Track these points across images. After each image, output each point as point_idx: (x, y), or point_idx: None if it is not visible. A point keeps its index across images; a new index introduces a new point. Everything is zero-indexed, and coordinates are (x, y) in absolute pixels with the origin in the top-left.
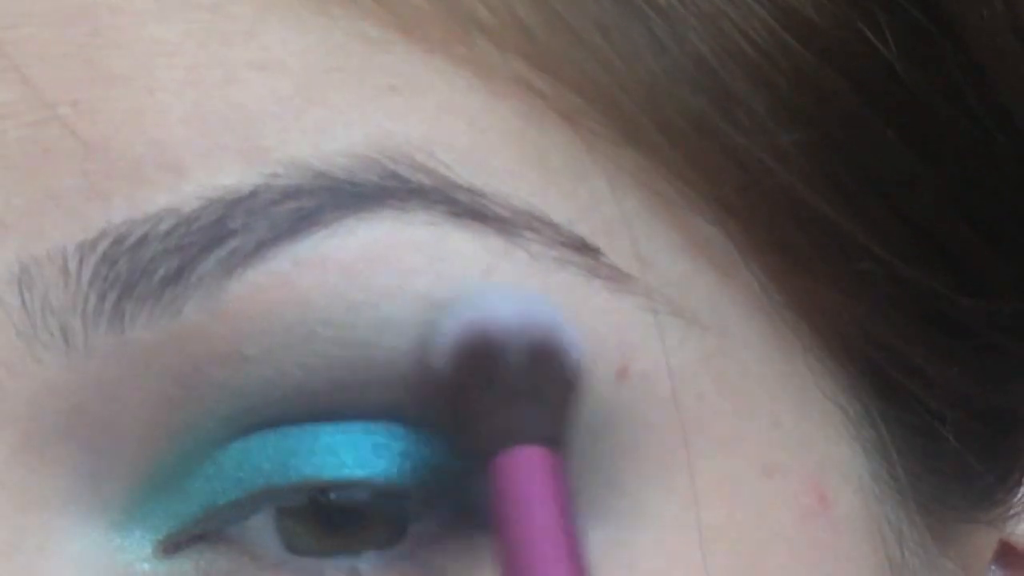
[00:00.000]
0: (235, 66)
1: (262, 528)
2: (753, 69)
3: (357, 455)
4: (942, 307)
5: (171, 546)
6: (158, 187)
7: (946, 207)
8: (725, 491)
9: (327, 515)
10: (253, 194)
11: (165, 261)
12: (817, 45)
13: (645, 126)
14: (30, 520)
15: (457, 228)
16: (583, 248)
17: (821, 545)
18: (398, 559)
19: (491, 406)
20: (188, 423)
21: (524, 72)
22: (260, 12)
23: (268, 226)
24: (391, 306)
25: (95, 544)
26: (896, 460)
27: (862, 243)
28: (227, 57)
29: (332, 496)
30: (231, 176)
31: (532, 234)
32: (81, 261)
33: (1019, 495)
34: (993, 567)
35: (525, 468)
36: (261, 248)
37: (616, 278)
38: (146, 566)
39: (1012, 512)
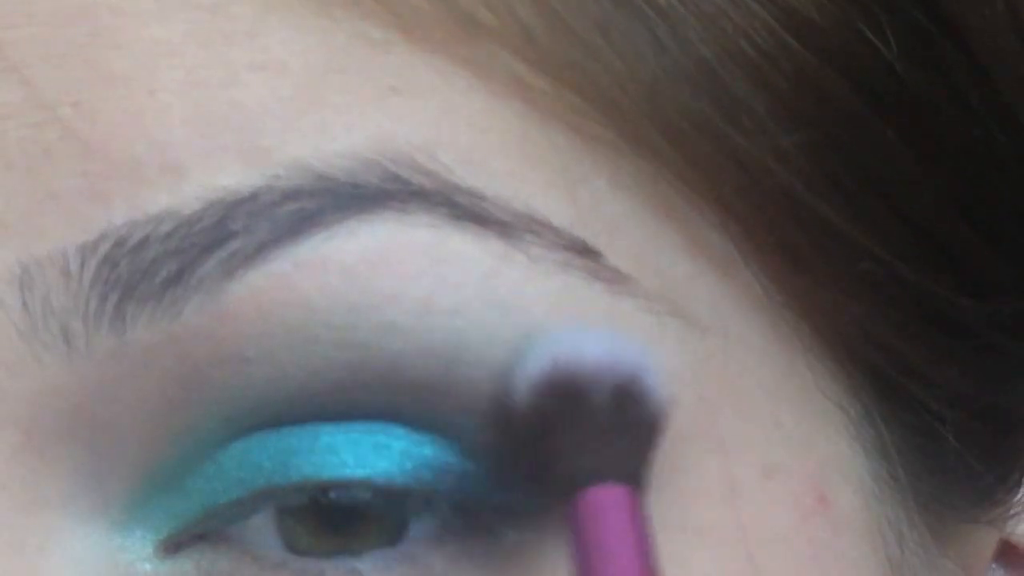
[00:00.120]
0: (236, 67)
1: (263, 528)
2: (754, 70)
3: (358, 455)
4: (943, 307)
5: (172, 546)
6: (159, 188)
7: (947, 207)
8: (725, 492)
9: (328, 515)
10: (254, 196)
11: (166, 263)
12: (818, 46)
13: (646, 127)
14: (31, 520)
15: (458, 231)
16: (584, 251)
17: (821, 545)
18: (398, 559)
19: (576, 444)
20: (189, 424)
21: (525, 73)
22: (261, 13)
23: (269, 228)
24: (392, 309)
25: (96, 544)
26: (896, 460)
27: (863, 244)
28: (228, 58)
29: (333, 496)
30: (232, 177)
31: (533, 237)
32: (82, 263)
33: (1019, 495)
34: (994, 566)
35: (608, 507)
36: (262, 250)
37: (617, 280)
38: (147, 566)
39: (1012, 512)
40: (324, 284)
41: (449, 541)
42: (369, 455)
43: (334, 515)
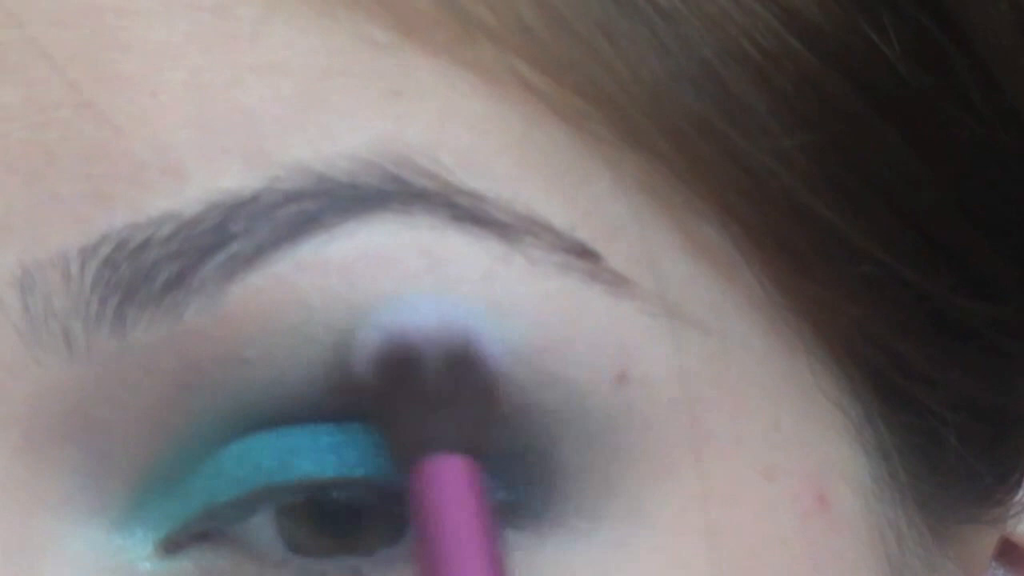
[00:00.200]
0: (238, 69)
1: (263, 527)
2: (757, 72)
3: (358, 454)
4: (944, 309)
5: (172, 545)
6: (160, 191)
7: (949, 209)
8: (725, 493)
9: (327, 514)
10: (255, 198)
11: (167, 266)
12: (821, 47)
13: (648, 129)
14: (31, 520)
15: (458, 232)
16: (584, 253)
17: (821, 546)
18: (398, 558)
19: (410, 414)
20: (189, 424)
21: (527, 75)
22: (264, 14)
23: (269, 229)
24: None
25: (96, 544)
26: (896, 461)
27: (864, 245)
28: (231, 60)
29: (333, 495)
30: (233, 179)
31: (533, 239)
32: (83, 265)
33: (1019, 495)
34: (995, 564)
35: (441, 477)
36: (262, 252)
37: (617, 282)
38: (147, 565)
39: (1013, 512)
40: (324, 285)
41: None
42: (369, 454)
43: (334, 514)
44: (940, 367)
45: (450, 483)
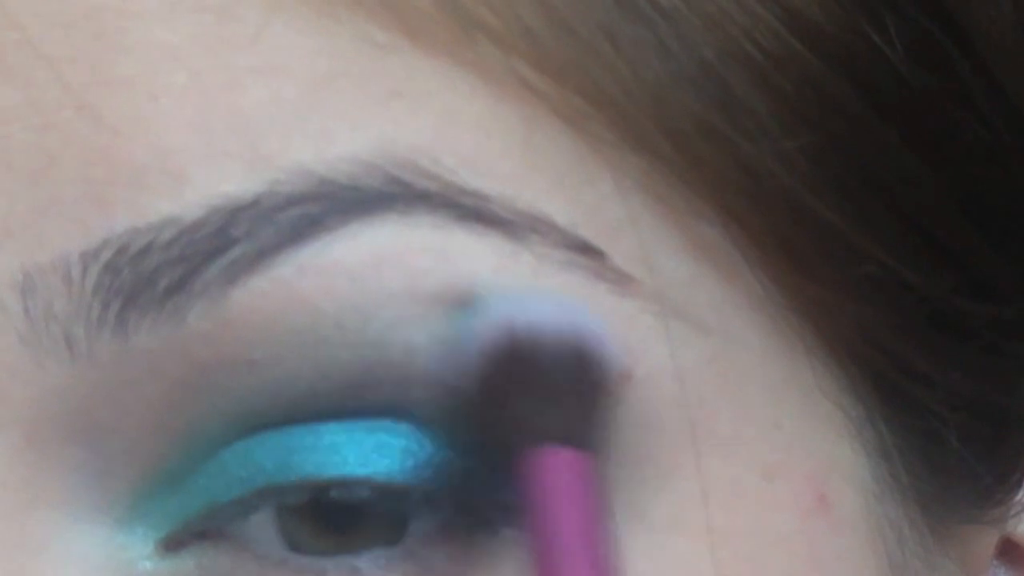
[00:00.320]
0: (239, 71)
1: (264, 526)
2: (758, 73)
3: (359, 453)
4: (945, 309)
5: (173, 544)
6: (161, 195)
7: (950, 209)
8: (726, 493)
9: (328, 513)
10: (256, 201)
11: (168, 270)
12: (822, 48)
13: (649, 130)
14: (32, 518)
15: (463, 231)
16: (588, 251)
17: (822, 546)
18: (399, 558)
19: (523, 408)
20: (192, 425)
21: (529, 76)
22: (265, 16)
23: (271, 233)
24: (400, 307)
25: (97, 542)
26: (897, 461)
27: (865, 246)
28: (232, 62)
29: (333, 494)
30: (234, 183)
31: (537, 237)
32: (84, 270)
33: (1020, 495)
34: (996, 563)
35: (555, 470)
36: (265, 255)
37: (620, 281)
38: (148, 564)
39: (1013, 512)
40: (329, 287)
41: (450, 539)
42: (371, 454)
43: (335, 514)
44: (941, 367)
45: (564, 476)
